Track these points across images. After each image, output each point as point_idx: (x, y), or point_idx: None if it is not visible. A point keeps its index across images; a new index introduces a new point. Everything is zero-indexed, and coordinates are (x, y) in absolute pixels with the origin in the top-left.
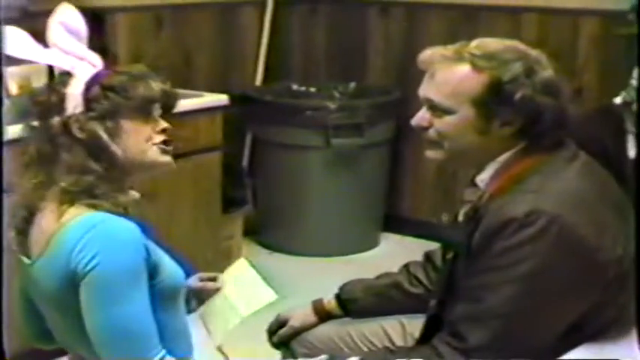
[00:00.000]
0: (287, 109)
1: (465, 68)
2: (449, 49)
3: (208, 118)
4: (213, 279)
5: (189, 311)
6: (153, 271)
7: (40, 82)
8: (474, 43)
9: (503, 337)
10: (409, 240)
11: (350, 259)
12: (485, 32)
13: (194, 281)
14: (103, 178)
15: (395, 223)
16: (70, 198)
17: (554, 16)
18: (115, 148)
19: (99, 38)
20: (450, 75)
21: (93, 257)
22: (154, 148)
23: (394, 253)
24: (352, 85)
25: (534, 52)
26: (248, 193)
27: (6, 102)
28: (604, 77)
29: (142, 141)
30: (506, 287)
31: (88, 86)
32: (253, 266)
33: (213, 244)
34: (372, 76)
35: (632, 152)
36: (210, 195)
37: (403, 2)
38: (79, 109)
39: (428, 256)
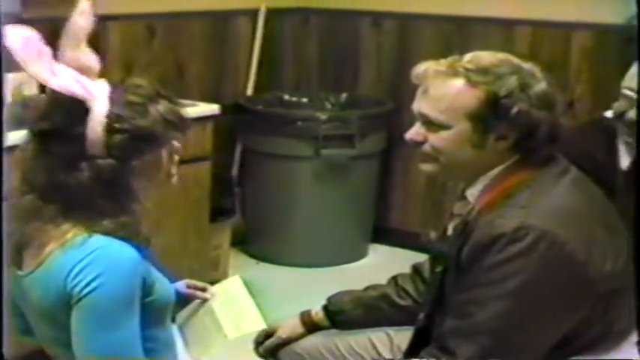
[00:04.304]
0: (277, 119)
1: (459, 83)
2: (442, 64)
3: (199, 128)
4: (202, 289)
5: (173, 319)
6: (147, 291)
7: (31, 90)
8: (467, 57)
9: (491, 353)
10: (398, 251)
11: (339, 270)
12: (477, 44)
13: (181, 287)
14: (109, 200)
15: (384, 234)
16: (74, 217)
17: (547, 29)
18: (136, 186)
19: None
20: (445, 90)
21: (90, 282)
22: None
23: (383, 264)
24: (344, 95)
25: (528, 65)
26: (237, 203)
27: (6, 107)
28: (596, 90)
29: (163, 176)
30: (495, 302)
31: (109, 128)
32: (246, 285)
33: (200, 254)
34: (363, 87)
35: (624, 164)
36: (199, 204)
37: (395, 13)
38: (99, 150)
39: (416, 269)
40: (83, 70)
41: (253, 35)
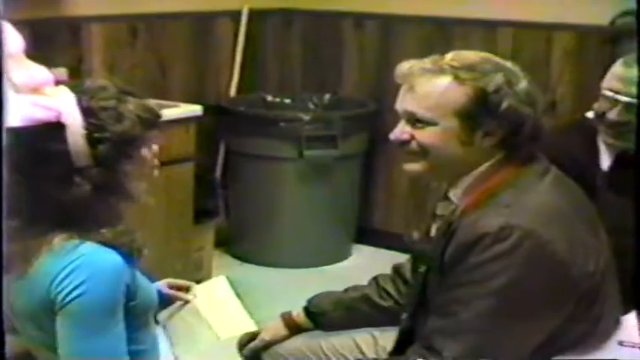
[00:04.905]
0: (260, 120)
1: (447, 80)
2: (427, 62)
3: (182, 129)
4: (186, 288)
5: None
6: (131, 296)
7: None
8: (450, 55)
9: (477, 351)
10: (381, 252)
11: (322, 271)
12: (459, 46)
13: (163, 287)
14: (105, 207)
15: (367, 235)
16: (69, 229)
17: (529, 30)
18: (129, 188)
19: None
20: (432, 87)
21: (74, 289)
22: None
23: (366, 265)
24: (327, 96)
25: (509, 64)
26: (220, 204)
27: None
28: (578, 90)
29: (149, 171)
30: (479, 302)
31: (90, 138)
32: (232, 285)
33: (184, 255)
34: (346, 88)
35: (605, 164)
36: (182, 205)
37: (378, 15)
38: (87, 161)
39: (397, 270)
40: (37, 88)
41: (236, 36)
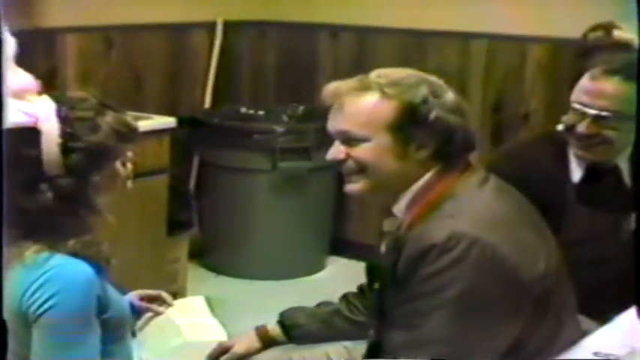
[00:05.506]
0: (234, 132)
1: (374, 97)
2: (353, 81)
3: (156, 141)
4: (156, 297)
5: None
6: (103, 308)
7: None
8: (374, 73)
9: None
10: (356, 264)
11: (297, 282)
12: (434, 57)
13: (135, 299)
14: (71, 218)
15: (342, 246)
16: (36, 239)
17: (503, 42)
18: (96, 200)
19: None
20: (360, 105)
21: (45, 301)
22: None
23: (341, 277)
24: (301, 108)
25: (433, 77)
26: (194, 216)
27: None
28: (551, 103)
29: (120, 185)
30: (437, 312)
31: (64, 147)
32: (209, 304)
33: (158, 267)
34: (321, 100)
35: (575, 176)
36: (156, 217)
37: (353, 26)
38: (57, 170)
39: (361, 288)
40: (19, 93)
41: (211, 48)
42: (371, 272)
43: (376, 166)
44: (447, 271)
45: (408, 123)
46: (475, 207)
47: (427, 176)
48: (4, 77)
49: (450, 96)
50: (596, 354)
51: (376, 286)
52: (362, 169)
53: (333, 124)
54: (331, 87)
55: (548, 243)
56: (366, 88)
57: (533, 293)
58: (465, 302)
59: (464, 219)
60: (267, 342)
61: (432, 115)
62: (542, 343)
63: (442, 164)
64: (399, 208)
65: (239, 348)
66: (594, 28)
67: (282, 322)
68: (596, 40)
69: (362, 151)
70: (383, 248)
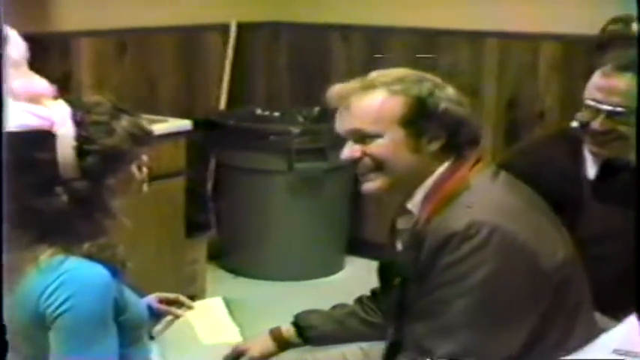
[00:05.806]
0: (250, 133)
1: (381, 94)
2: (356, 82)
3: (172, 143)
4: (174, 300)
5: (152, 337)
6: (120, 310)
7: None
8: (374, 74)
9: (468, 347)
10: (374, 263)
11: (315, 283)
12: (446, 57)
13: (153, 302)
14: (86, 221)
15: (359, 246)
16: (52, 242)
17: (515, 41)
18: (111, 203)
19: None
20: (369, 103)
21: (62, 303)
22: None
23: (360, 277)
24: (316, 109)
25: (430, 75)
26: (212, 218)
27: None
28: (565, 100)
29: (135, 189)
30: (461, 300)
31: (79, 150)
32: (227, 305)
33: (176, 269)
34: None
35: (591, 173)
36: (174, 220)
37: (365, 26)
38: (73, 173)
39: (374, 292)
40: (35, 97)
41: (224, 50)
42: (385, 272)
43: (392, 161)
44: (468, 259)
45: (419, 116)
46: (491, 198)
47: (441, 169)
48: (4, 77)
49: (450, 90)
50: (616, 351)
51: (395, 282)
52: (378, 165)
53: (343, 124)
54: (335, 89)
55: (563, 234)
56: (371, 87)
57: (553, 281)
58: (487, 289)
59: (482, 208)
60: (281, 344)
61: (441, 106)
62: (559, 336)
63: (454, 157)
64: (414, 203)
65: (253, 351)
66: (614, 21)
67: (296, 324)
68: (613, 33)
69: (377, 148)
70: (399, 246)
